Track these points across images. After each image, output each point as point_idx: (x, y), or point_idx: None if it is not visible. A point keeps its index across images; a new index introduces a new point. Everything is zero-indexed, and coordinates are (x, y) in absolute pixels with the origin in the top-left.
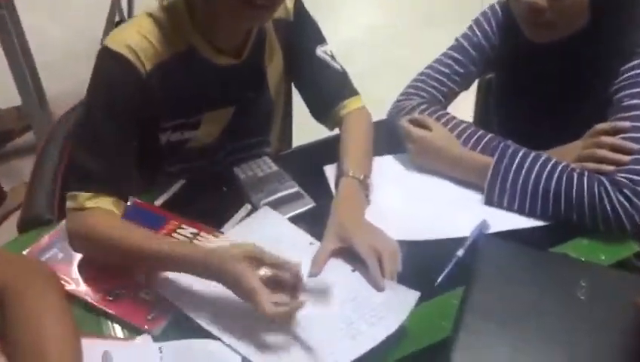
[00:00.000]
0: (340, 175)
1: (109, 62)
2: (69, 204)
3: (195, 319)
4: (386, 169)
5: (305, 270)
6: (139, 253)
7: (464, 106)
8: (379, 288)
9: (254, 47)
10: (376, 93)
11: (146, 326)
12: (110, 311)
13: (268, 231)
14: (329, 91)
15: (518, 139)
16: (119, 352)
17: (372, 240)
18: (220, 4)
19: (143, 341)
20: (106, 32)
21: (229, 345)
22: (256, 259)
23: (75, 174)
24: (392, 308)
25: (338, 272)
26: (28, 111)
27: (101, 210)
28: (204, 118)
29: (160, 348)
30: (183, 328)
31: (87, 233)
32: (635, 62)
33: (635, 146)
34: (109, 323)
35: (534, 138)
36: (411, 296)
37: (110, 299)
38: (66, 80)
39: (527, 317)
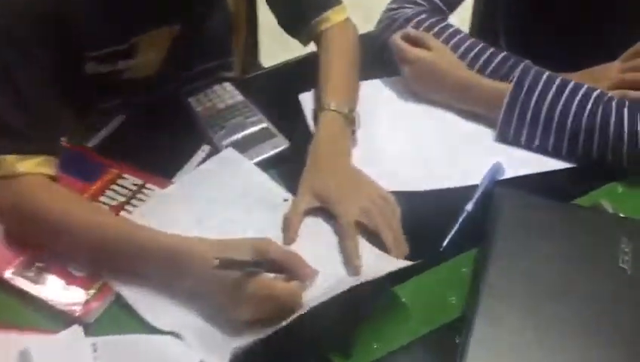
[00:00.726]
0: (319, 108)
1: None
2: None
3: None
4: (374, 96)
5: (277, 232)
6: (87, 233)
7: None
8: (354, 271)
9: None
10: None
11: (76, 314)
12: (30, 292)
13: (230, 181)
14: (302, 2)
15: (535, 59)
16: (41, 350)
17: (359, 199)
18: None
19: (72, 334)
20: None
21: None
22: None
23: None
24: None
25: (316, 238)
26: None
27: (33, 175)
28: (139, 43)
29: (94, 345)
30: (126, 317)
31: (20, 208)
32: None
33: None
34: (29, 309)
35: (557, 58)
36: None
37: (30, 274)
38: None
39: (557, 296)
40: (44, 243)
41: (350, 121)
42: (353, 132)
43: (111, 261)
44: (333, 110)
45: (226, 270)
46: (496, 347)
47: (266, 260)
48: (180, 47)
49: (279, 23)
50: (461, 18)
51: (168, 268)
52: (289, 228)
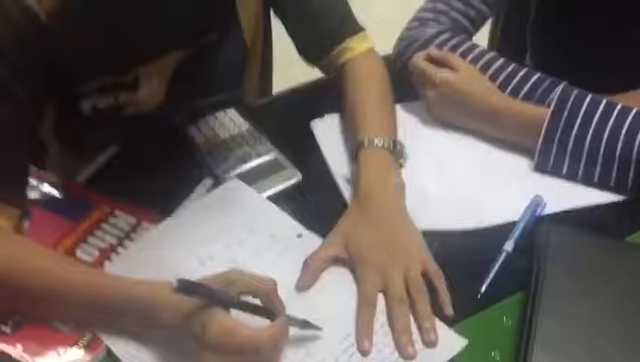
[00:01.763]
0: (357, 147)
1: None
2: None
3: None
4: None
5: (289, 275)
6: (48, 289)
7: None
8: (361, 345)
9: None
10: (374, 15)
11: None
12: (6, 352)
13: (236, 215)
14: (326, 26)
15: (570, 80)
16: None
17: (389, 265)
18: None
19: None
20: None
21: None
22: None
23: None
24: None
25: (338, 290)
26: None
27: None
28: (143, 73)
29: None
30: None
31: None
32: None
33: None
34: None
35: (595, 78)
36: (453, 344)
37: (6, 330)
38: None
39: (620, 347)
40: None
41: (396, 154)
42: (401, 165)
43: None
44: (375, 146)
45: (189, 297)
46: None
47: (236, 292)
48: (185, 76)
49: (299, 51)
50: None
51: (142, 318)
52: (306, 272)
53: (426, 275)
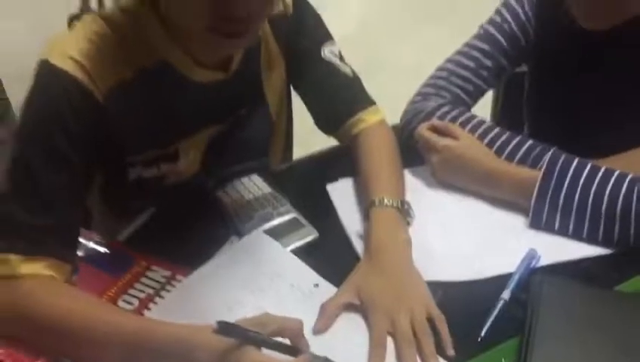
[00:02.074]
0: (368, 206)
1: (49, 81)
2: None
3: None
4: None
5: (307, 319)
6: (93, 335)
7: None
8: None
9: (246, 56)
10: (384, 90)
11: None
12: None
13: (260, 265)
14: (341, 101)
15: (561, 147)
16: None
17: (397, 310)
18: (185, 27)
19: None
20: None
21: None
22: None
23: (5, 230)
24: None
25: (351, 333)
26: None
27: (39, 277)
28: (183, 147)
29: None
30: None
31: (18, 309)
32: None
33: None
34: None
35: (584, 145)
36: None
37: None
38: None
39: None
40: (43, 347)
41: (404, 212)
42: (408, 223)
43: (131, 353)
44: (385, 205)
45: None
46: None
47: (267, 332)
48: (218, 147)
49: (316, 122)
50: (482, 104)
51: (184, 358)
52: (323, 316)
53: (430, 320)
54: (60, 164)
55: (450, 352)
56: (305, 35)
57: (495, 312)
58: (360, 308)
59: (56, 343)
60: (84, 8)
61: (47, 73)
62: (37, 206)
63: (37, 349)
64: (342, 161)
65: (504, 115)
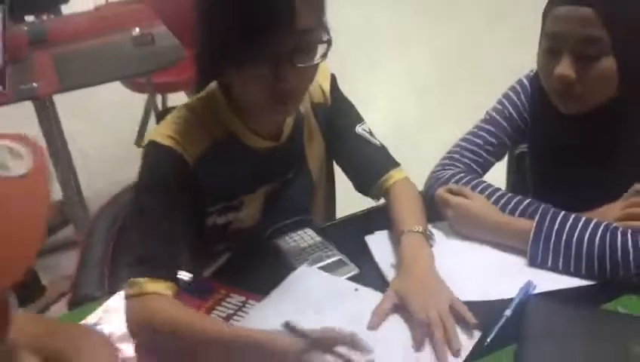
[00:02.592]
0: (400, 233)
1: (157, 154)
2: (128, 291)
3: None
4: None
5: (354, 317)
6: (206, 340)
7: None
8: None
9: (293, 130)
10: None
11: None
12: None
13: (312, 286)
14: (373, 165)
15: (556, 205)
16: None
17: (429, 301)
18: (246, 102)
19: None
20: (140, 134)
21: None
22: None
23: (134, 261)
24: None
25: (397, 327)
26: (69, 206)
27: (160, 295)
28: (246, 200)
29: None
30: None
31: (149, 319)
32: None
33: None
34: None
35: (572, 203)
36: None
37: None
38: (99, 179)
39: None
40: (172, 350)
41: (427, 237)
42: (431, 245)
43: (227, 350)
44: (414, 231)
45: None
46: None
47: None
48: (272, 203)
49: (355, 187)
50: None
51: (260, 354)
52: (375, 315)
53: (452, 309)
54: (170, 209)
55: (457, 344)
56: (342, 118)
57: (499, 325)
58: (400, 306)
59: (177, 344)
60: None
61: (153, 148)
62: (156, 243)
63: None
64: (375, 219)
65: (515, 186)
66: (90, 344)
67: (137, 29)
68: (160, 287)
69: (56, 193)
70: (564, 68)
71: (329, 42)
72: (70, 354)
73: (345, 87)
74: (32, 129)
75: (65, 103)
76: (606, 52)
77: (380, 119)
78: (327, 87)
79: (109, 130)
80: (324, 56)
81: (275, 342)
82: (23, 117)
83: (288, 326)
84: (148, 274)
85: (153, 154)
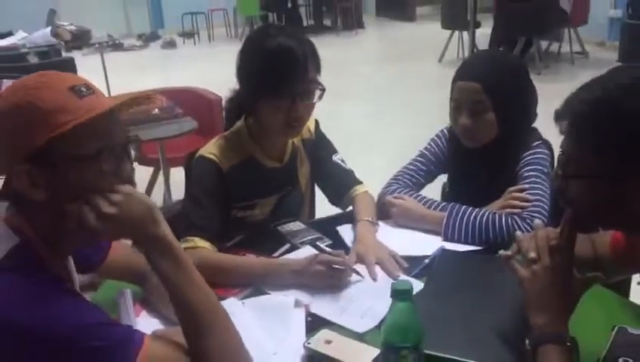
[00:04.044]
0: (357, 221)
1: (203, 163)
2: (184, 245)
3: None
4: (380, 227)
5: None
6: (243, 269)
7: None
8: (372, 276)
9: (291, 156)
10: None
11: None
12: None
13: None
14: (343, 184)
15: (464, 201)
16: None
17: (376, 252)
18: (268, 127)
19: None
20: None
21: (294, 301)
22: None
23: (190, 226)
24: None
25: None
26: None
27: (206, 248)
28: (258, 203)
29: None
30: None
31: (201, 262)
32: (530, 151)
33: (530, 198)
34: None
35: (473, 203)
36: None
37: None
38: None
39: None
40: (219, 281)
41: (374, 225)
42: (376, 230)
43: (264, 276)
44: (365, 220)
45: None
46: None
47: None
48: (276, 207)
49: (329, 200)
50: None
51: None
52: (348, 263)
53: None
54: (213, 197)
55: (399, 272)
56: (322, 150)
57: (421, 266)
58: (359, 258)
59: (225, 277)
60: None
61: (201, 159)
62: (204, 217)
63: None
64: (341, 219)
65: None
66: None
67: (157, 110)
68: (207, 244)
69: None
70: (463, 119)
71: (323, 89)
72: (153, 274)
73: None
74: None
75: None
76: (488, 109)
77: None
78: (312, 127)
79: None
80: (320, 98)
81: (290, 262)
82: None
83: (315, 246)
84: (199, 234)
85: (200, 163)
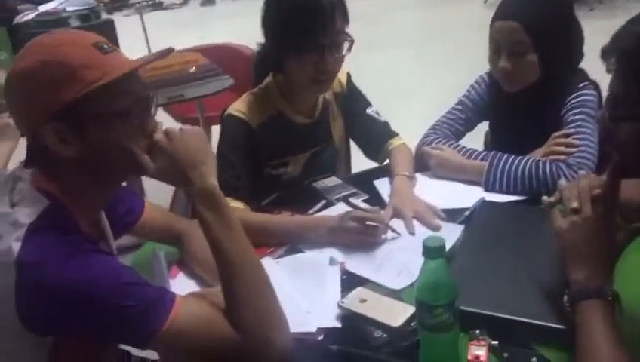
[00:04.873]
0: (394, 176)
1: (231, 121)
2: None
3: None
4: (418, 180)
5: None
6: (277, 227)
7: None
8: (410, 231)
9: (322, 111)
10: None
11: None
12: None
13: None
14: (379, 136)
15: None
16: None
17: (413, 206)
18: (296, 82)
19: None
20: None
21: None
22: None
23: (222, 187)
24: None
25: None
26: None
27: (239, 208)
28: (290, 160)
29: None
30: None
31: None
32: (576, 93)
33: (576, 143)
34: None
35: (515, 151)
36: (456, 229)
37: None
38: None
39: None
40: (252, 242)
41: (411, 179)
42: (413, 184)
43: (299, 234)
44: (402, 174)
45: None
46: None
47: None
48: (309, 164)
49: (365, 154)
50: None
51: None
52: (385, 219)
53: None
54: (242, 156)
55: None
56: (355, 103)
57: (461, 219)
58: (396, 212)
59: (260, 236)
60: None
61: (229, 118)
62: (234, 176)
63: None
64: (377, 174)
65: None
66: (199, 233)
67: (194, 68)
68: (238, 204)
69: None
70: (503, 62)
71: (352, 41)
72: (188, 236)
73: None
74: None
75: None
76: (530, 51)
77: None
78: (344, 80)
79: None
80: (349, 50)
81: (325, 218)
82: None
83: (348, 202)
84: (231, 194)
85: (228, 121)
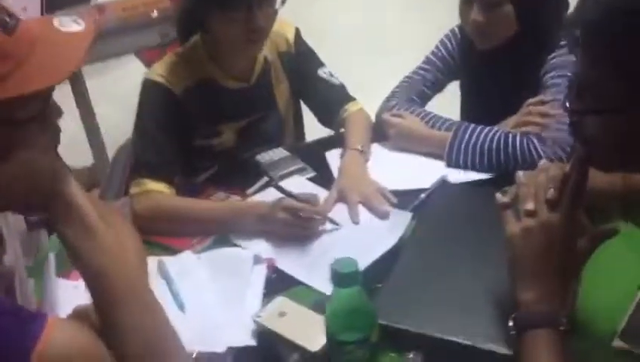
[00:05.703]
0: (345, 149)
1: (150, 88)
2: (133, 190)
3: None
4: (375, 151)
5: None
6: (201, 216)
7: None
8: (354, 219)
9: (261, 75)
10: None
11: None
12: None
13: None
14: (332, 102)
15: (478, 121)
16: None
17: (360, 189)
18: (224, 41)
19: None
20: None
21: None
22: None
23: (139, 167)
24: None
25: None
26: (97, 170)
27: (160, 192)
28: (223, 129)
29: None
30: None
31: (153, 209)
32: (557, 52)
33: (552, 112)
34: None
35: (488, 118)
36: (405, 217)
37: None
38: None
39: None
40: (175, 231)
41: (364, 154)
42: (366, 160)
43: (225, 223)
44: (353, 148)
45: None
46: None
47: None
48: (246, 133)
49: (319, 120)
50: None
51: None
52: (325, 203)
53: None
54: (164, 129)
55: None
56: (305, 64)
57: (415, 203)
58: (341, 195)
59: (183, 225)
60: None
61: (148, 84)
62: (154, 153)
63: (170, 232)
64: (333, 144)
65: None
66: (119, 220)
67: (155, 12)
68: (160, 186)
69: (88, 160)
70: (476, 14)
71: None
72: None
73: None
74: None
75: (97, 90)
76: (505, 1)
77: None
78: (291, 38)
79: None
80: (283, 3)
81: (257, 205)
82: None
83: (279, 188)
84: (149, 175)
85: (148, 87)
